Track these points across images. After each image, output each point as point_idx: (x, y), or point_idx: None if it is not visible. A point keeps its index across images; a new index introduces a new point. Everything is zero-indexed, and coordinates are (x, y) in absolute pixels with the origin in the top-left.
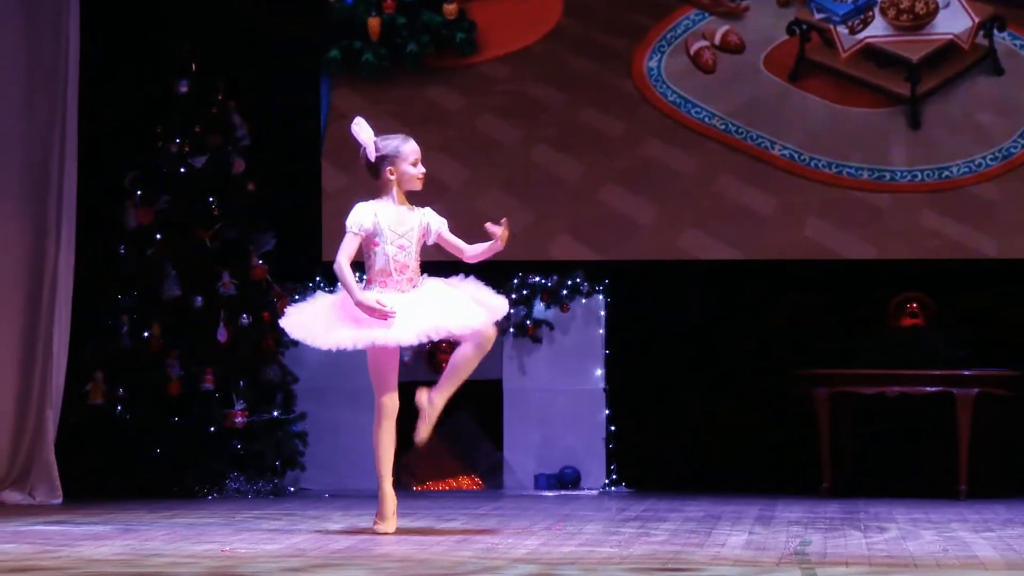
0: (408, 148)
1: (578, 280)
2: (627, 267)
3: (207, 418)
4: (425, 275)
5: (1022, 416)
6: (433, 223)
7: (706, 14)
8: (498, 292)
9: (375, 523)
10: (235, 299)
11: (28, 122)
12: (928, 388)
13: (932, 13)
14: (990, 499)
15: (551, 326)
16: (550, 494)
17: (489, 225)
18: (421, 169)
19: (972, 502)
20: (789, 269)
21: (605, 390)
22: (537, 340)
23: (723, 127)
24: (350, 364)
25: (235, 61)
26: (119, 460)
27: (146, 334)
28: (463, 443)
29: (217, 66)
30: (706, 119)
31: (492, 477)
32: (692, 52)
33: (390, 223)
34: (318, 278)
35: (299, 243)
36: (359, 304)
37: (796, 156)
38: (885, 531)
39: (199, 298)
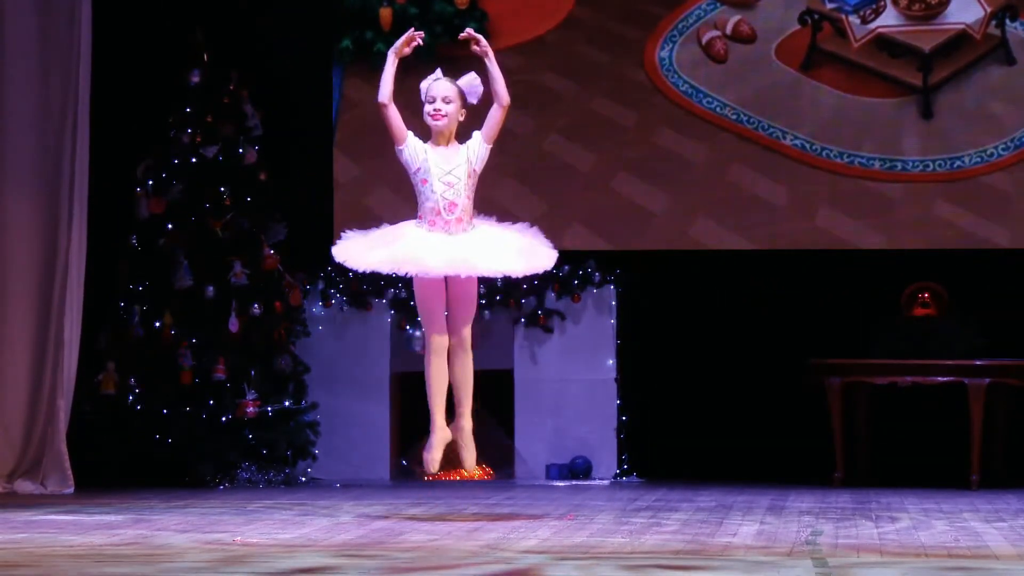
0: (422, 85)
1: (590, 270)
2: (639, 257)
3: (219, 408)
4: (479, 220)
5: None
6: (474, 142)
7: (717, 3)
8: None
9: (422, 454)
10: (247, 289)
11: (40, 112)
12: (940, 378)
13: (944, 3)
14: (1002, 489)
15: (563, 316)
16: (561, 484)
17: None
18: (434, 107)
19: (984, 492)
20: (801, 259)
21: (616, 380)
22: (548, 330)
23: (735, 117)
24: (362, 353)
25: (247, 51)
26: (131, 450)
27: (158, 324)
28: (475, 433)
29: (229, 56)
30: (717, 109)
31: (503, 467)
32: (704, 42)
33: (436, 160)
34: (330, 268)
35: (311, 233)
36: (396, 51)
37: (808, 146)
38: (897, 521)
39: (211, 288)
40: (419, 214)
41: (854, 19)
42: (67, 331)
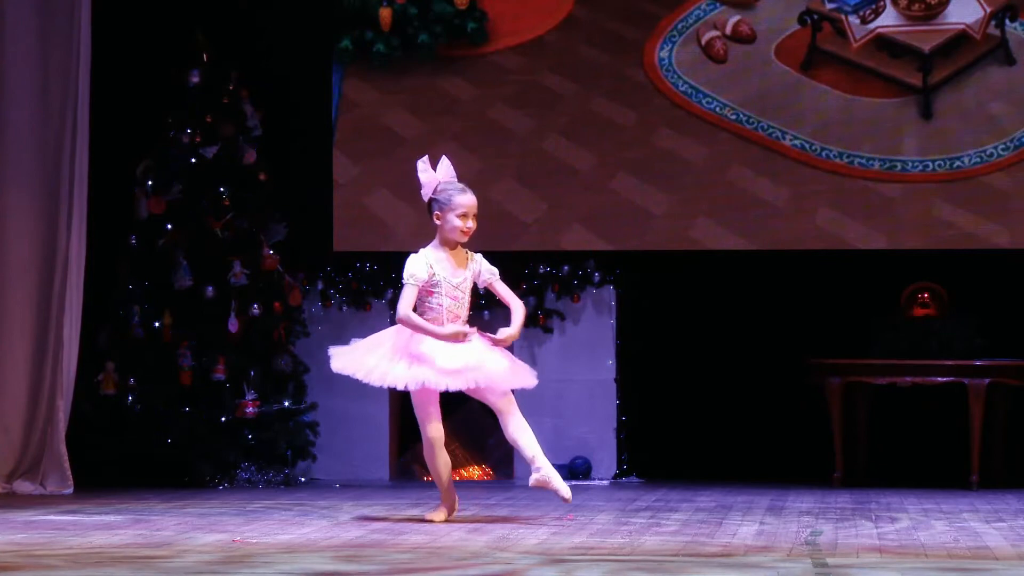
0: (459, 200)
1: (589, 270)
2: (638, 257)
3: (218, 408)
4: (475, 329)
5: None
6: (484, 272)
7: (717, 3)
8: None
9: (429, 513)
10: (246, 289)
11: (41, 112)
12: (940, 378)
13: (944, 3)
14: (1002, 489)
15: (562, 316)
16: None
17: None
18: (468, 224)
19: (984, 492)
20: (801, 259)
21: (616, 380)
22: (548, 330)
23: (734, 117)
24: None
25: (247, 51)
26: (130, 450)
27: (158, 324)
28: (474, 433)
29: (229, 56)
30: (717, 109)
31: (503, 467)
32: (703, 42)
33: (447, 274)
34: (329, 268)
35: (310, 233)
36: (444, 337)
37: (807, 146)
38: (896, 521)
39: (210, 288)
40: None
41: (854, 19)
42: (67, 331)
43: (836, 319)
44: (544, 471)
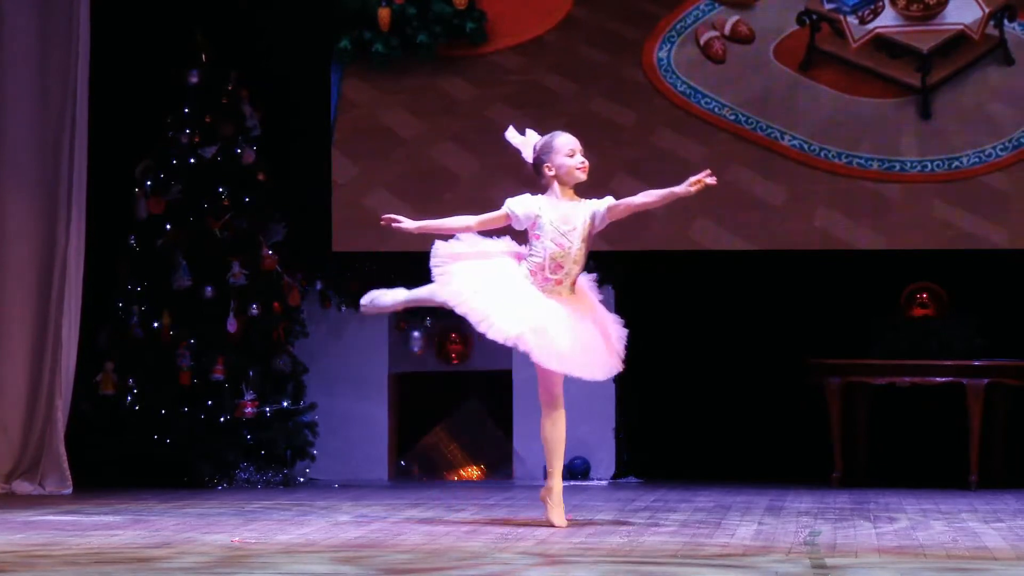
0: (560, 141)
1: (588, 270)
2: (638, 257)
3: (217, 408)
4: (583, 279)
5: None
6: (599, 215)
7: (716, 4)
8: None
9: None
10: (245, 289)
11: (39, 112)
12: (939, 378)
13: (942, 3)
14: (1000, 489)
15: None
16: None
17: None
18: (580, 159)
19: (983, 492)
20: (800, 259)
21: (615, 380)
22: None
23: (733, 117)
24: (361, 354)
25: (246, 51)
26: (129, 450)
27: (157, 324)
28: (473, 433)
29: (228, 56)
30: (716, 109)
31: (502, 467)
32: (702, 42)
33: (552, 218)
34: (328, 268)
35: (309, 233)
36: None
37: (806, 146)
38: (895, 521)
39: (209, 288)
40: (526, 254)
41: (852, 19)
42: (66, 331)
43: (836, 319)
44: (552, 493)
